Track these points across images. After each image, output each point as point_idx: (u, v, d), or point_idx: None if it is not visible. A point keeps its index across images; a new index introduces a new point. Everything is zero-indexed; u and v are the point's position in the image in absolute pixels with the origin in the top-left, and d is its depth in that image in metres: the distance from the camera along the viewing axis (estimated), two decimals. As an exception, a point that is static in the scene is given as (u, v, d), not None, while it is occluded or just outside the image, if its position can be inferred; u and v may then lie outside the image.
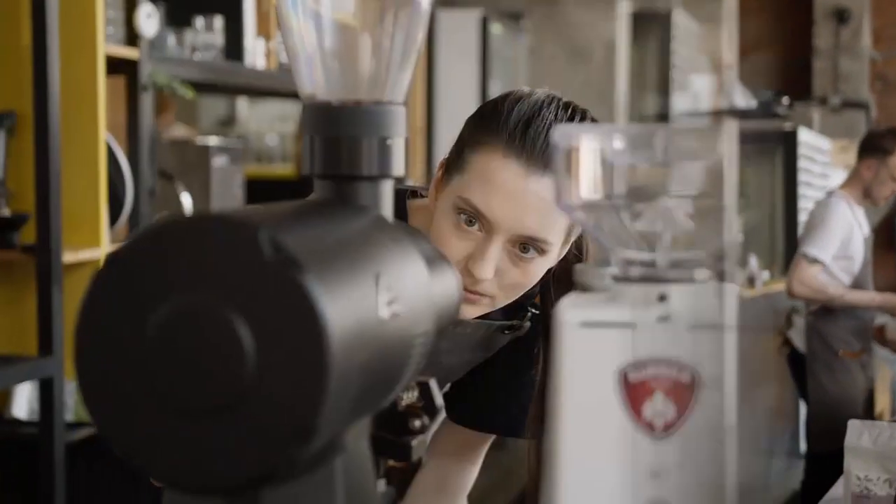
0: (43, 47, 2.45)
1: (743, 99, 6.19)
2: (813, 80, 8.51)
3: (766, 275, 6.21)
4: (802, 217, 7.46)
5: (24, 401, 3.00)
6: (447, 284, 0.85)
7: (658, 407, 0.68)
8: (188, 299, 0.61)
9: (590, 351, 0.68)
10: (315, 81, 0.80)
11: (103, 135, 2.60)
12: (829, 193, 4.67)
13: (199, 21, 3.22)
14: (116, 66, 2.78)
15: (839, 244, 4.39)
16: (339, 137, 0.78)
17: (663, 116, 7.67)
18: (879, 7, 9.70)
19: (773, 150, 7.30)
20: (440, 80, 5.40)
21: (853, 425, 1.96)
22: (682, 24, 7.67)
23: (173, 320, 0.61)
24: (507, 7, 6.10)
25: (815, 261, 4.34)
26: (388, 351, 0.69)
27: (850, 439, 1.90)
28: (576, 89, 5.75)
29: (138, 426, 0.62)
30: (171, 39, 3.10)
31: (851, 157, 8.59)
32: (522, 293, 1.34)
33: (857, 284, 4.46)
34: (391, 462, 0.86)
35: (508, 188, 1.25)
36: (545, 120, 1.27)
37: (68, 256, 2.49)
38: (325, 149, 0.78)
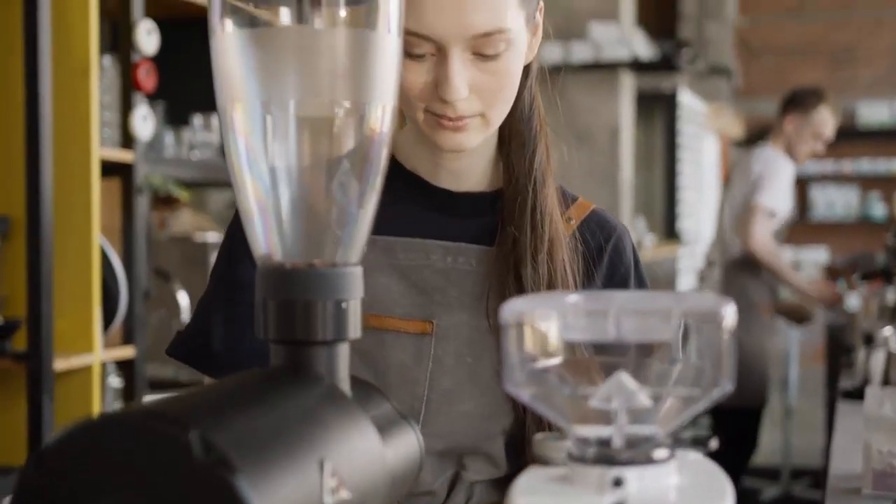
0: (36, 152, 2.46)
1: (644, 49, 6.17)
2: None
3: (651, 238, 6.29)
4: (681, 180, 7.57)
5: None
6: (405, 448, 0.82)
7: None
8: (116, 502, 0.58)
9: (543, 538, 0.66)
10: (270, 242, 0.78)
11: (97, 239, 2.60)
12: (756, 146, 4.75)
13: (197, 119, 3.23)
14: (112, 168, 2.78)
15: (783, 198, 4.45)
16: (292, 301, 0.76)
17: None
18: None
19: (653, 111, 7.35)
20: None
21: (872, 392, 1.75)
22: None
23: (101, 523, 0.59)
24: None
25: (771, 213, 4.36)
26: (334, 538, 0.67)
27: (869, 408, 1.70)
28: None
29: None
30: (170, 138, 3.11)
31: (725, 121, 8.73)
32: (513, 98, 1.22)
33: (775, 240, 4.51)
34: None
35: None
36: None
37: (60, 364, 2.47)
38: (279, 313, 0.76)
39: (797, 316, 4.83)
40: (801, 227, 9.82)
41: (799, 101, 4.55)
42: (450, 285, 1.27)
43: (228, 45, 0.76)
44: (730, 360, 0.66)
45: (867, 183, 10.02)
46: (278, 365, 0.76)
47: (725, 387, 0.67)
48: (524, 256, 1.26)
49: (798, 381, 5.73)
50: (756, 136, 5.74)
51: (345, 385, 0.77)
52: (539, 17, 1.26)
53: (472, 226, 1.31)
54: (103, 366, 2.79)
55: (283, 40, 0.76)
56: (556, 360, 0.69)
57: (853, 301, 5.16)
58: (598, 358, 0.70)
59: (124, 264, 2.74)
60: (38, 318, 2.42)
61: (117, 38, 2.90)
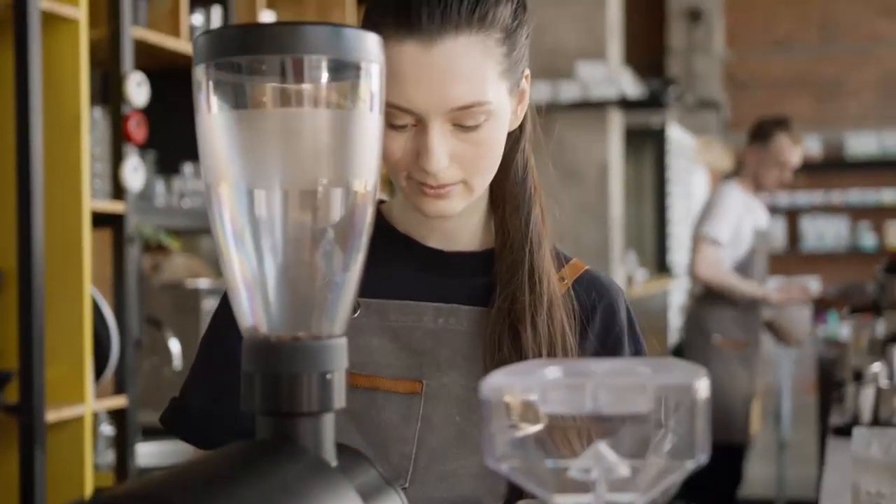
0: (28, 204, 2.47)
1: (631, 87, 6.24)
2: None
3: (643, 273, 6.35)
4: (671, 214, 7.63)
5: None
6: (392, 515, 0.83)
7: None
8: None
9: None
10: (255, 315, 0.79)
11: (88, 290, 2.61)
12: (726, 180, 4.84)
13: (188, 167, 3.25)
14: (103, 219, 2.80)
15: (732, 228, 4.46)
16: (278, 374, 0.77)
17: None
18: (731, 8, 9.90)
19: (642, 146, 7.40)
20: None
21: (859, 433, 1.75)
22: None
23: None
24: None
25: (714, 241, 4.39)
26: None
27: (856, 449, 1.72)
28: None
29: None
30: (160, 187, 3.13)
31: (714, 154, 8.81)
32: (496, 166, 1.23)
33: (739, 271, 4.50)
34: None
35: (414, 71, 1.16)
36: None
37: (52, 415, 2.48)
38: (265, 385, 0.78)
39: (784, 336, 4.85)
40: (792, 258, 9.88)
41: (760, 132, 4.60)
42: (440, 346, 1.28)
43: (214, 125, 0.78)
44: (704, 431, 0.68)
45: (856, 213, 10.08)
46: (264, 437, 0.77)
47: (700, 458, 0.68)
48: (524, 318, 1.26)
49: (791, 413, 5.74)
50: (744, 168, 5.87)
51: (330, 455, 0.78)
52: (525, 84, 1.28)
53: (465, 285, 1.32)
54: (95, 416, 2.79)
55: (267, 122, 0.78)
56: (535, 431, 0.71)
57: (843, 332, 5.18)
58: (577, 425, 0.72)
59: (116, 314, 2.75)
60: (30, 369, 2.42)
61: (107, 90, 2.93)
